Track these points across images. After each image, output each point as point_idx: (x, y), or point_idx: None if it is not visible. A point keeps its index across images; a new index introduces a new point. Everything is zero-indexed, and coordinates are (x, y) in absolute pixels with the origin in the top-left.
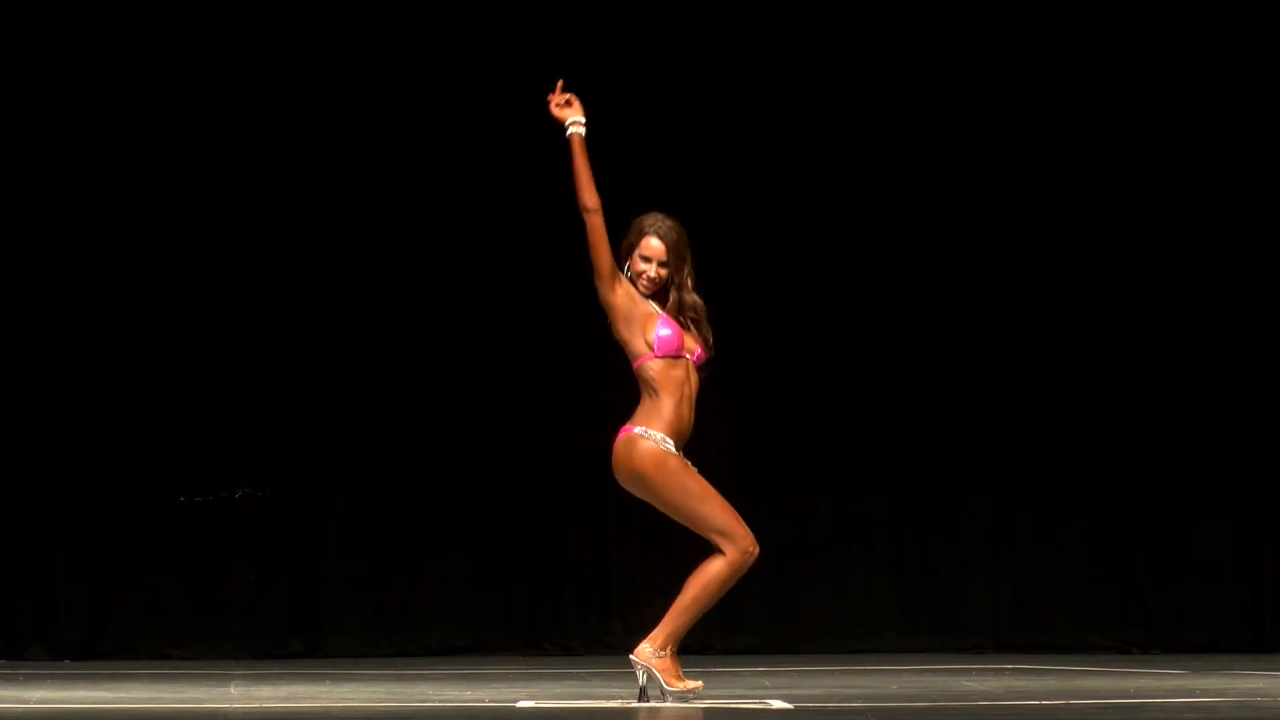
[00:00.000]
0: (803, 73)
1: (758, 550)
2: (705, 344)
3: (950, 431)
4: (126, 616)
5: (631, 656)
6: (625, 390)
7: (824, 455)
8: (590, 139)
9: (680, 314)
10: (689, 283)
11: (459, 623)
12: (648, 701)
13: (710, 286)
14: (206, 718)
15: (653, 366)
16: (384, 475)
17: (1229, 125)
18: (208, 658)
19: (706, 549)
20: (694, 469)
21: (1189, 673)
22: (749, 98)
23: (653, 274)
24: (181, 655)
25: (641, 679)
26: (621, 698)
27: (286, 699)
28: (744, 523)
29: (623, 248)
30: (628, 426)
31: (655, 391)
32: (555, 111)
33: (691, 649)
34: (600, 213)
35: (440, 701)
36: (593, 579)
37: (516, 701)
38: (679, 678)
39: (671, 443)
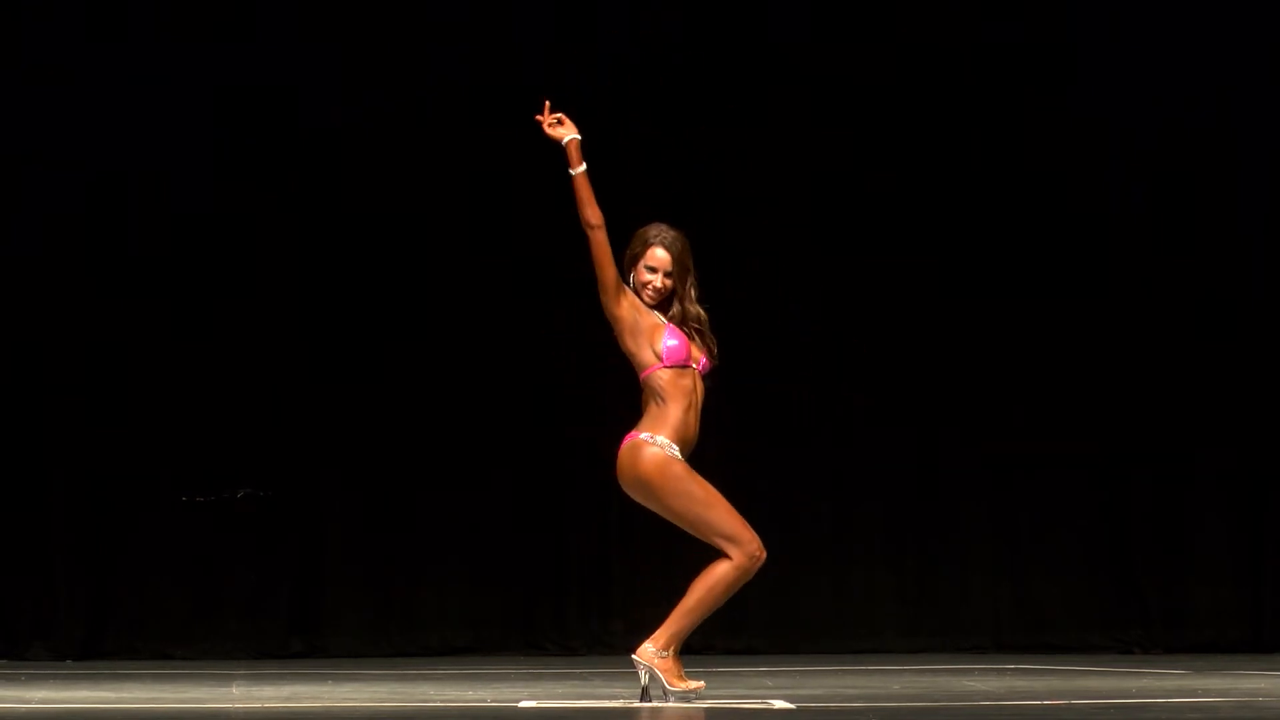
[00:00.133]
0: (803, 73)
1: (764, 555)
2: (710, 354)
3: (950, 431)
4: (127, 617)
5: (634, 656)
6: (625, 391)
7: (824, 455)
8: (590, 139)
9: (684, 324)
10: (692, 293)
11: (459, 623)
12: (650, 702)
13: (710, 287)
14: (209, 718)
15: (661, 377)
16: (384, 475)
17: (1229, 125)
18: (208, 658)
19: (708, 550)
20: (699, 475)
21: (1191, 673)
22: (749, 98)
23: (658, 284)
24: (182, 655)
25: (644, 679)
26: (624, 698)
27: (289, 699)
28: (750, 527)
29: (626, 258)
30: (633, 433)
31: (663, 400)
32: (549, 132)
33: (693, 649)
34: (604, 228)
35: (442, 701)
36: (593, 579)
37: (518, 701)
38: (681, 678)
39: (677, 449)
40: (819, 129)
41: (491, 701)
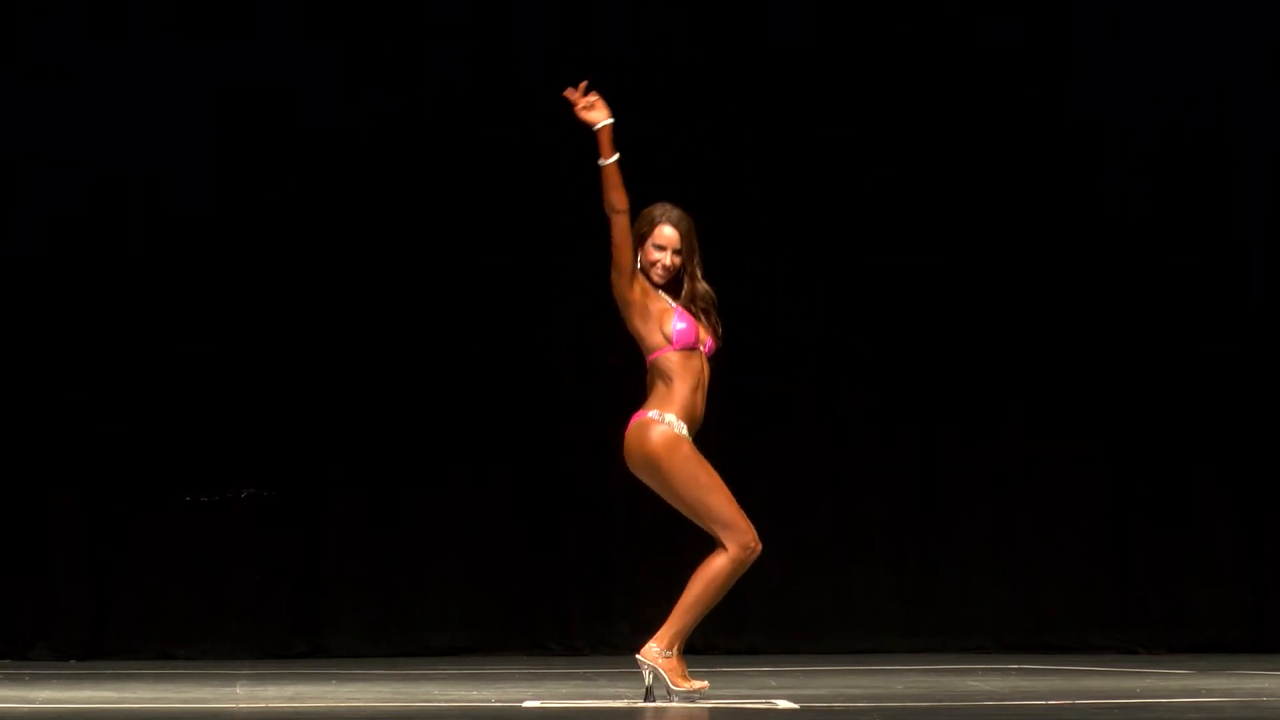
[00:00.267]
0: (803, 73)
1: (760, 547)
2: (715, 334)
3: (950, 431)
4: (128, 617)
5: (638, 656)
6: (626, 390)
7: (824, 455)
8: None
9: (692, 303)
10: (698, 271)
11: (461, 623)
12: (654, 701)
13: (711, 287)
14: (214, 717)
15: (671, 359)
16: (385, 475)
17: (1229, 125)
18: (209, 658)
19: (709, 546)
20: (705, 460)
21: (1194, 673)
22: (749, 98)
23: (668, 262)
24: (184, 655)
25: (647, 679)
26: (627, 698)
27: (292, 699)
28: (748, 519)
29: (632, 238)
30: (640, 412)
31: (671, 380)
32: (582, 115)
33: (696, 649)
34: (628, 213)
35: (446, 701)
36: (594, 579)
37: (522, 701)
38: (685, 677)
39: (685, 427)
40: (819, 129)
41: (496, 701)
